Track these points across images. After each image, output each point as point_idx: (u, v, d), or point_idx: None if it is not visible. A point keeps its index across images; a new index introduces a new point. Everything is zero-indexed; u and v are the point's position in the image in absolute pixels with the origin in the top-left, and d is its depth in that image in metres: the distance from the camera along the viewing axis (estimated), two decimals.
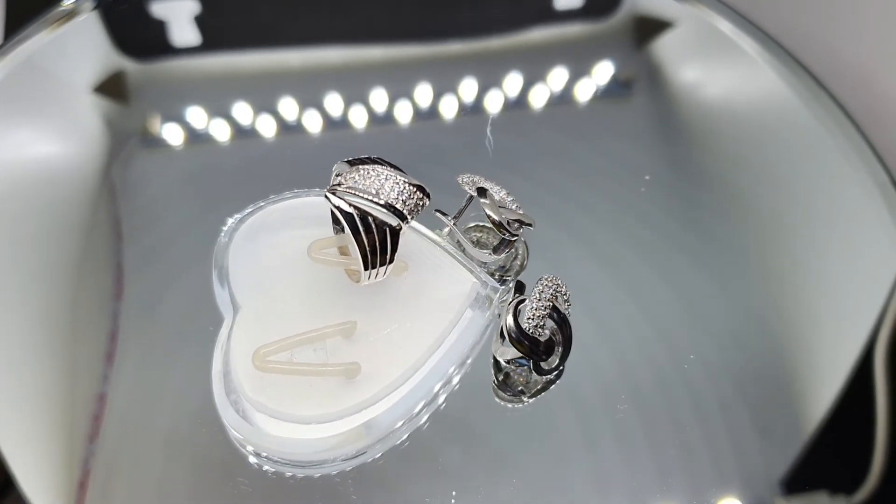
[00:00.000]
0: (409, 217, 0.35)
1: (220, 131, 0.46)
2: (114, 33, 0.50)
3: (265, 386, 0.35)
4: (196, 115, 0.47)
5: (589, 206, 0.43)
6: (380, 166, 0.35)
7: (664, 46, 0.51)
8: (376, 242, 0.34)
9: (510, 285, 0.37)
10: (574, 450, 0.36)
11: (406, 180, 0.35)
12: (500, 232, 0.38)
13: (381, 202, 0.34)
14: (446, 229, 0.39)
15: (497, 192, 0.38)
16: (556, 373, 0.37)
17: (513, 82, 0.48)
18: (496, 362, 0.37)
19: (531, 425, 0.36)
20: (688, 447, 0.36)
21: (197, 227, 0.42)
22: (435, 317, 0.37)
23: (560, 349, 0.36)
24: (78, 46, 0.49)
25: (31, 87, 0.46)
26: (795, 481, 0.35)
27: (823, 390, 0.38)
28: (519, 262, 0.41)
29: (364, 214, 0.34)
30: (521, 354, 0.35)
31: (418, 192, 0.35)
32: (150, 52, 0.50)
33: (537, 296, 0.35)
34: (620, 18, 0.52)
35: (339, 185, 0.34)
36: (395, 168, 0.35)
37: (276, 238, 0.39)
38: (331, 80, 0.48)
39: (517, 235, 0.38)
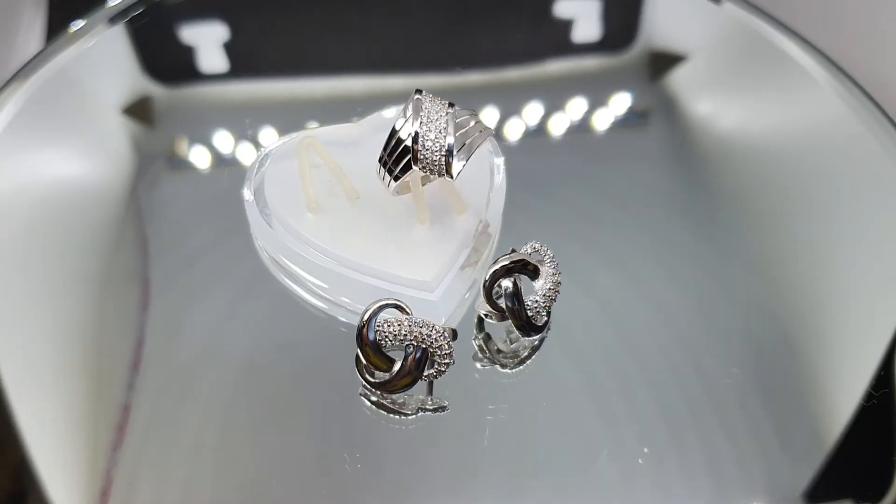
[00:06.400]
0: (421, 167, 0.36)
1: (245, 156, 0.47)
2: (143, 58, 0.51)
3: (282, 169, 0.41)
4: (221, 140, 0.48)
5: (609, 223, 0.44)
6: (448, 120, 0.36)
7: (679, 79, 0.52)
8: (396, 153, 0.37)
9: (444, 331, 0.35)
10: (595, 458, 0.36)
11: (443, 145, 0.36)
12: (487, 299, 0.36)
13: (417, 133, 0.36)
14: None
15: (546, 278, 0.37)
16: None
17: (532, 111, 0.50)
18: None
19: (557, 436, 0.36)
20: (710, 458, 0.36)
21: (222, 247, 0.42)
22: (397, 262, 0.38)
23: (396, 369, 0.34)
24: (107, 70, 0.50)
25: (61, 107, 0.48)
26: (818, 492, 0.35)
27: (845, 399, 0.38)
28: (492, 356, 0.38)
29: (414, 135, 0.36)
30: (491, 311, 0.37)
31: (444, 161, 0.36)
32: (177, 77, 0.51)
33: (403, 327, 0.34)
34: (636, 52, 0.54)
35: (424, 96, 0.37)
36: (460, 135, 0.36)
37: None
38: (354, 108, 0.49)
39: (491, 313, 0.37)
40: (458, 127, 0.36)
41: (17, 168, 0.45)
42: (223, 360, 0.38)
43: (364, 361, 0.35)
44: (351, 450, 0.35)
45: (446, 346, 0.34)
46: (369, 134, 0.43)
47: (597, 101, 0.50)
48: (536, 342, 0.39)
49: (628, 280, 0.42)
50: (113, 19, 0.52)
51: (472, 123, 0.37)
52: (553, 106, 0.50)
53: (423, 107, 0.37)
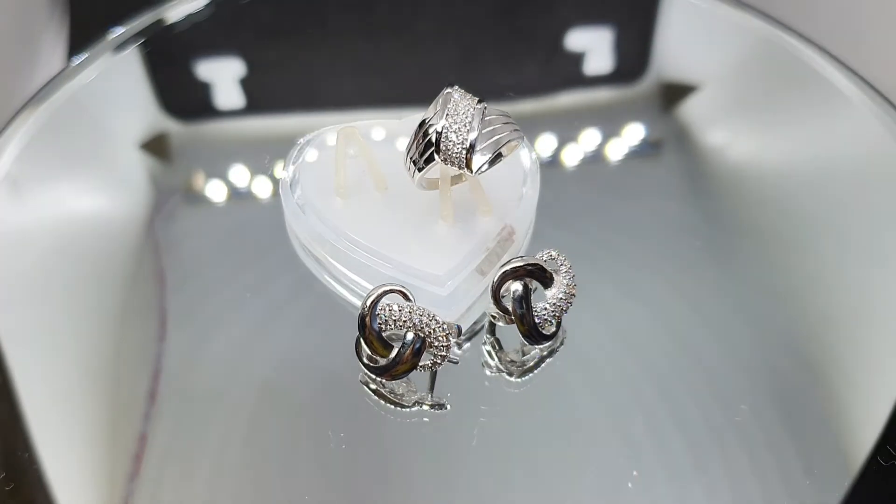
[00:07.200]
0: (443, 159, 0.37)
1: (261, 190, 0.47)
2: (160, 95, 0.52)
3: (319, 156, 0.43)
4: (237, 175, 0.48)
5: (624, 252, 0.44)
6: (474, 115, 0.36)
7: (693, 107, 0.52)
8: (422, 145, 0.37)
9: (444, 324, 0.35)
10: (618, 484, 0.35)
11: (466, 138, 0.36)
12: (494, 299, 0.36)
13: (443, 126, 0.36)
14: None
15: (559, 287, 0.36)
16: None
17: (545, 143, 0.50)
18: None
19: (580, 459, 0.36)
20: (736, 487, 0.35)
21: (238, 280, 0.42)
22: (412, 253, 0.39)
23: (393, 355, 0.34)
24: (125, 108, 0.51)
25: (74, 139, 0.49)
26: None
27: (870, 427, 0.37)
28: (501, 363, 0.39)
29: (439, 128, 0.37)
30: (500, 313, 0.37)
31: (465, 154, 0.36)
32: (194, 114, 0.51)
33: (403, 312, 0.34)
34: (649, 82, 0.54)
35: (456, 88, 0.38)
36: (487, 132, 0.37)
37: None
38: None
39: (498, 315, 0.37)
40: (485, 124, 0.37)
41: (36, 201, 0.45)
42: (239, 390, 0.38)
43: (365, 347, 0.35)
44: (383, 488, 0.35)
45: (444, 338, 0.34)
46: (408, 131, 0.43)
47: (610, 133, 0.51)
48: (546, 353, 0.39)
49: (645, 308, 0.41)
50: (118, 48, 0.53)
51: (502, 122, 0.37)
52: (566, 137, 0.50)
53: (452, 100, 0.37)
